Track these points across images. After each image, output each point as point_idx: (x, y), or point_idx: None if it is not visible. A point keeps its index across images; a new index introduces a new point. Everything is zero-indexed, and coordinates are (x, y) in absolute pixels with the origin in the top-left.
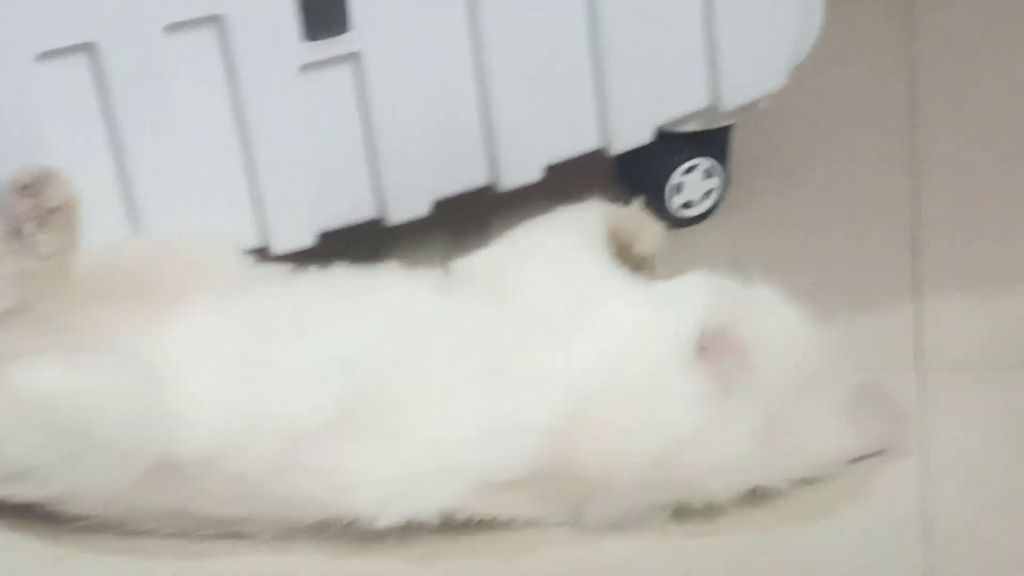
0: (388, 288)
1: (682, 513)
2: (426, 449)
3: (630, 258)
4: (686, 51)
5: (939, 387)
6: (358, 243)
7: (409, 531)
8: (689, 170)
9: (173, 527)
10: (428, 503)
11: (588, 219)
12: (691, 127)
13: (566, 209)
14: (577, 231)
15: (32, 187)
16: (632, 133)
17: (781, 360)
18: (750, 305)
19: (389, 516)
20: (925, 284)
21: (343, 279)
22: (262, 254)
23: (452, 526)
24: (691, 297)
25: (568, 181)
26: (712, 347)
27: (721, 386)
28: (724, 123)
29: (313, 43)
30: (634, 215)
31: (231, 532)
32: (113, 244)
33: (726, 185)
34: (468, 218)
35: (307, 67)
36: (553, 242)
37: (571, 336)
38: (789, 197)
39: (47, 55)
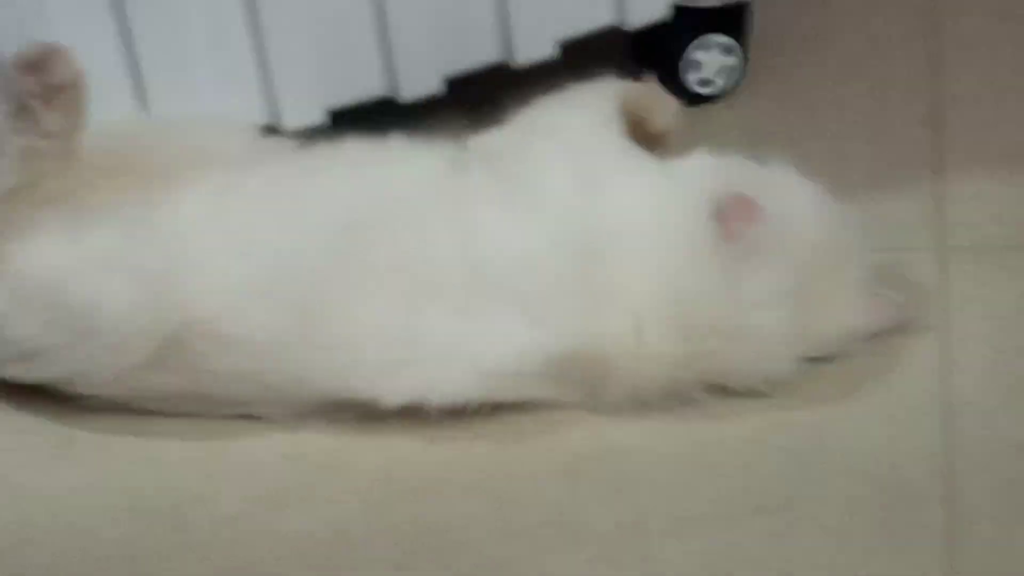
0: (398, 161)
1: (697, 396)
2: (435, 329)
3: (645, 135)
4: None
5: (960, 267)
6: (370, 123)
7: (419, 412)
8: (706, 47)
9: (183, 408)
10: (437, 385)
11: (602, 96)
12: (709, 2)
13: (580, 86)
14: (591, 109)
15: (38, 64)
16: (648, 7)
17: (801, 234)
18: (769, 181)
19: (395, 395)
20: (947, 163)
21: (353, 152)
22: (272, 131)
23: (462, 409)
24: (706, 170)
25: (582, 60)
26: (732, 216)
27: (741, 255)
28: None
29: None
30: (648, 91)
31: (240, 413)
32: (120, 123)
33: (744, 63)
34: (482, 99)
35: None
36: (566, 121)
37: (584, 213)
38: (809, 75)
39: None
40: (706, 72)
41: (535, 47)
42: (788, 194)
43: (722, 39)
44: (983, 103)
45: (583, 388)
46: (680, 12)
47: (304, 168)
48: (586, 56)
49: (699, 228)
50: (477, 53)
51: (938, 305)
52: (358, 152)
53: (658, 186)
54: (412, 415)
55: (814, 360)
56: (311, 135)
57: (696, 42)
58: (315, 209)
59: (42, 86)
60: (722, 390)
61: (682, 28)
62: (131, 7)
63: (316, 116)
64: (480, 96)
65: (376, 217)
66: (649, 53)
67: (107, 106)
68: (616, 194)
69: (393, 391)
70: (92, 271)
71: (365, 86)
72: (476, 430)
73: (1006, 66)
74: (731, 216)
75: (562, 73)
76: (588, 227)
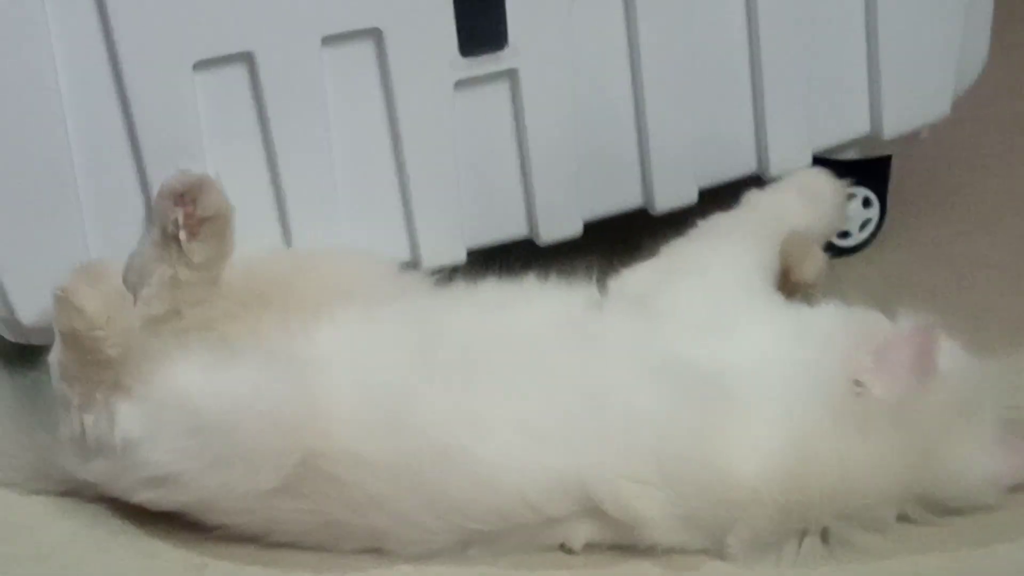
0: (532, 302)
1: (828, 539)
2: (574, 458)
3: (788, 282)
4: (847, 77)
5: None
6: (509, 262)
7: (545, 551)
8: (847, 198)
9: (314, 538)
10: (561, 526)
11: (760, 236)
12: (850, 155)
13: (741, 219)
14: (744, 249)
15: (187, 195)
16: (790, 158)
17: (939, 390)
18: (907, 336)
19: (516, 530)
20: None
21: (489, 292)
22: (412, 267)
23: (589, 548)
24: (840, 328)
25: (721, 203)
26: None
27: (874, 413)
28: (883, 152)
29: (469, 59)
30: (800, 241)
31: (372, 546)
32: (263, 254)
33: (883, 216)
34: (620, 240)
35: (462, 83)
36: (714, 262)
37: (713, 357)
38: (949, 230)
39: (205, 63)
40: (845, 224)
41: (677, 194)
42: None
43: (862, 191)
44: None
45: (709, 534)
46: (820, 163)
47: (441, 305)
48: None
49: (830, 378)
50: (619, 199)
51: None
52: (494, 292)
53: (790, 335)
54: (541, 552)
55: (951, 510)
56: (450, 272)
57: None
58: (448, 346)
59: (189, 216)
60: (848, 539)
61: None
62: (279, 140)
63: (456, 255)
64: (617, 239)
65: (506, 356)
66: None
67: (252, 237)
68: (747, 340)
69: (519, 519)
70: (229, 399)
71: (506, 227)
72: (604, 570)
73: None
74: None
75: (696, 216)
76: (716, 373)
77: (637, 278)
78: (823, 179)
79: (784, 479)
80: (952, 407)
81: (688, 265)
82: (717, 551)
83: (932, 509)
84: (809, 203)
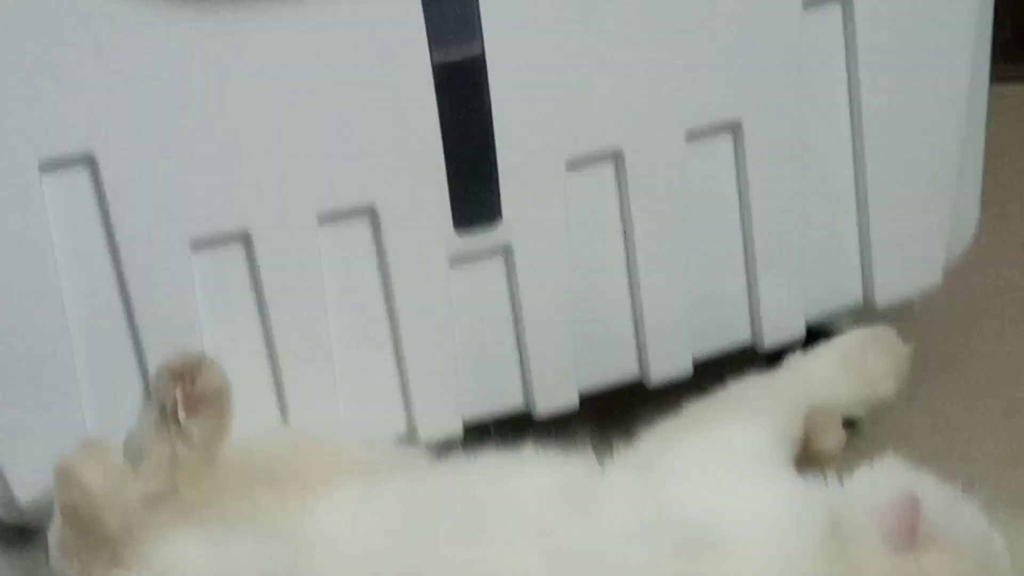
0: (534, 472)
1: None
2: None
3: (806, 449)
4: (838, 246)
5: None
6: (505, 433)
7: None
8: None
9: None
10: None
11: (786, 408)
12: (843, 325)
13: (771, 385)
14: (766, 417)
15: (185, 374)
16: (783, 328)
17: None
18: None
19: None
20: None
21: (486, 464)
22: (409, 441)
23: None
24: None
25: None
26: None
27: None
28: (877, 322)
29: (464, 234)
30: (824, 412)
31: None
32: (261, 432)
33: None
34: (615, 412)
35: (457, 259)
36: (731, 425)
37: (710, 520)
38: (942, 398)
39: (202, 242)
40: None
41: (671, 366)
42: (955, 521)
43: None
44: None
45: None
46: (816, 334)
47: (439, 479)
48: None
49: (821, 540)
50: (614, 371)
51: None
52: (492, 464)
53: (791, 492)
54: None
55: None
56: (446, 445)
57: None
58: (448, 520)
59: (187, 395)
60: None
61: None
62: (276, 318)
63: (452, 428)
64: (612, 411)
65: (507, 530)
66: None
67: (249, 415)
68: (744, 499)
69: None
70: (230, 571)
71: (502, 400)
72: None
73: None
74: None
75: (693, 389)
76: (710, 530)
77: (649, 438)
78: (876, 345)
79: None
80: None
81: (702, 425)
82: None
83: None
84: (852, 373)
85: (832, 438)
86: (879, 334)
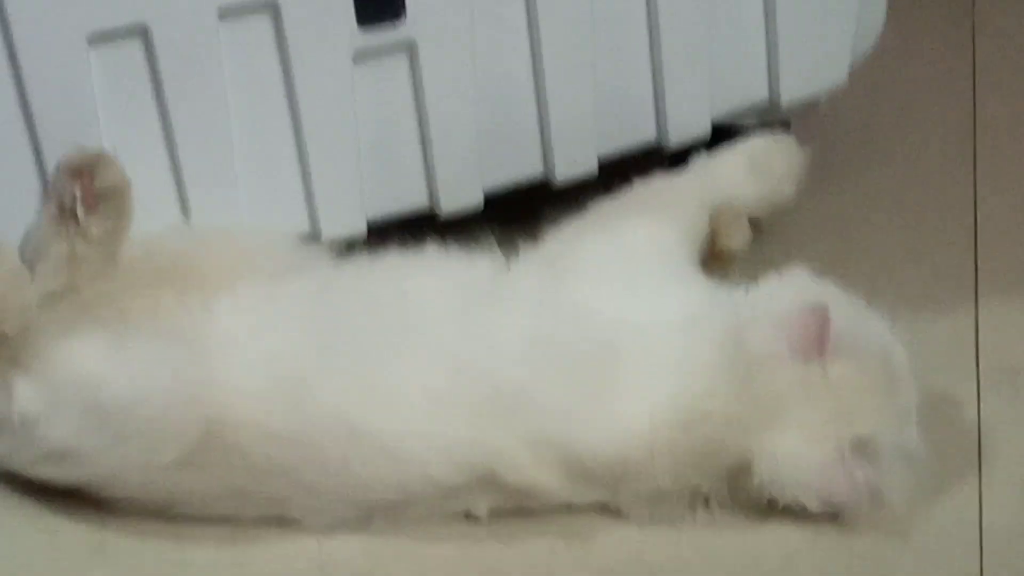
0: (435, 271)
1: (724, 509)
2: (458, 433)
3: (712, 247)
4: (745, 43)
5: (996, 392)
6: (411, 234)
7: (450, 520)
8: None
9: (216, 508)
10: (462, 488)
11: (691, 207)
12: (748, 123)
13: (677, 183)
14: (672, 215)
15: (84, 170)
16: (689, 127)
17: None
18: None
19: (424, 497)
20: (984, 288)
21: (390, 263)
22: (312, 240)
23: (494, 513)
24: (744, 300)
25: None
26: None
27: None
28: (782, 120)
29: (367, 30)
30: (730, 209)
31: (275, 516)
32: (163, 231)
33: None
34: (520, 213)
35: (360, 54)
36: (635, 222)
37: (612, 312)
38: (846, 197)
39: (99, 36)
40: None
41: (577, 165)
42: (858, 324)
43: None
44: (1019, 227)
45: (605, 492)
46: (720, 131)
47: (341, 278)
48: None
49: (725, 340)
50: (518, 170)
51: (973, 430)
52: (395, 263)
53: (694, 300)
54: (445, 522)
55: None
56: (350, 245)
57: None
58: (348, 319)
59: (87, 191)
60: (752, 505)
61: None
62: (176, 114)
63: (356, 228)
64: (517, 212)
65: (406, 327)
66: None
67: (150, 214)
68: (649, 299)
69: (422, 490)
70: (129, 376)
71: (406, 200)
72: (508, 538)
73: None
74: (803, 326)
75: (600, 189)
76: (613, 328)
77: (555, 237)
78: (777, 148)
79: (675, 434)
80: (824, 398)
81: (610, 221)
82: (615, 510)
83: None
84: (756, 173)
85: (738, 235)
86: (780, 138)
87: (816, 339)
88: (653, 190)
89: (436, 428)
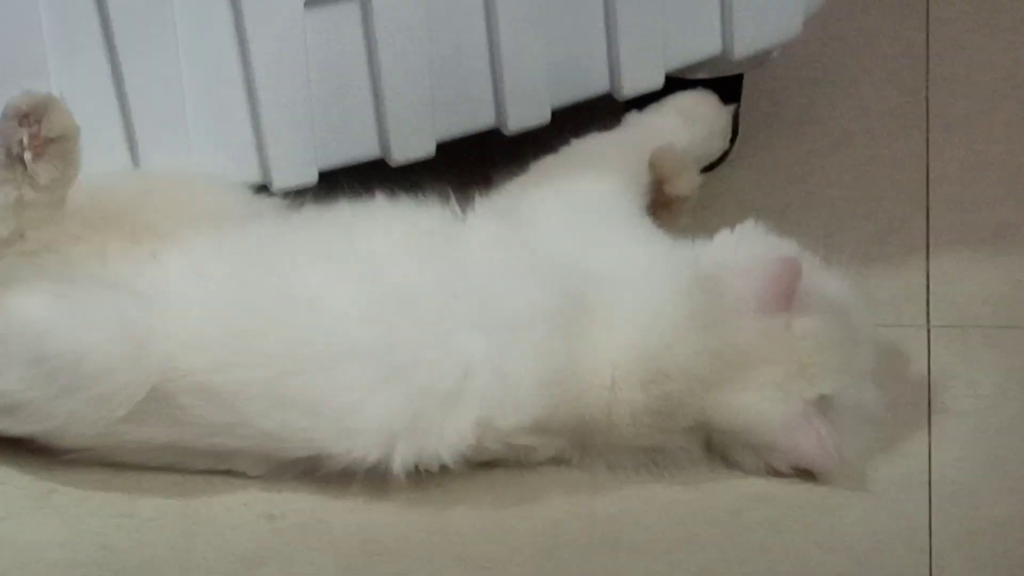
0: (383, 221)
1: (678, 464)
2: (426, 387)
3: (661, 195)
4: None
5: (945, 344)
6: (363, 185)
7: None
8: (723, 107)
9: (163, 461)
10: (413, 443)
11: (628, 152)
12: (702, 74)
13: (616, 137)
14: (614, 168)
15: (31, 115)
16: (642, 77)
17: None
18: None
19: (369, 455)
20: (934, 240)
21: (339, 213)
22: (262, 190)
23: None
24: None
25: (576, 125)
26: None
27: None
28: (735, 72)
29: None
30: (675, 156)
31: (221, 468)
32: (111, 177)
33: (735, 136)
34: (473, 162)
35: (313, 1)
36: (582, 175)
37: (570, 263)
38: (800, 151)
39: None
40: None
41: (529, 114)
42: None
43: (730, 107)
44: (971, 181)
45: (562, 441)
46: (672, 82)
47: (290, 229)
48: (577, 120)
49: (690, 285)
50: (471, 119)
51: (923, 384)
52: (344, 213)
53: (649, 248)
54: (391, 476)
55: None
56: (300, 194)
57: None
58: (297, 269)
59: (34, 136)
60: (703, 458)
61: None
62: (126, 60)
63: (307, 177)
64: (470, 160)
65: (354, 279)
66: None
67: (99, 159)
68: (605, 248)
69: (367, 450)
70: (75, 325)
71: (358, 148)
72: (456, 493)
73: (994, 144)
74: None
75: (555, 135)
76: (571, 276)
77: (504, 191)
78: (706, 102)
79: (634, 392)
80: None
81: (556, 177)
82: (566, 462)
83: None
84: (689, 125)
85: (686, 180)
86: (706, 93)
87: (785, 291)
88: (591, 145)
89: (383, 385)
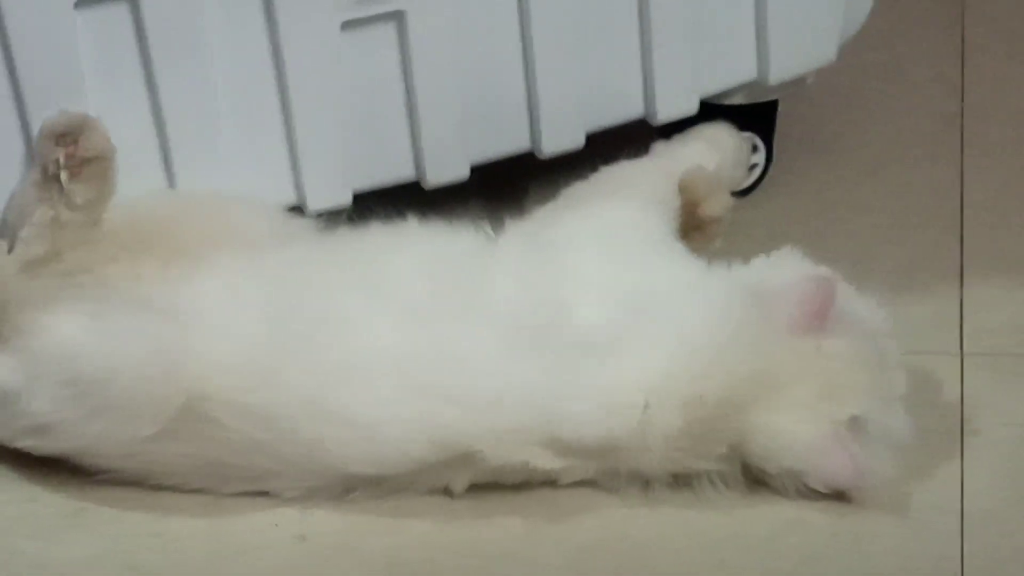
0: (416, 244)
1: (712, 489)
2: (454, 407)
3: (693, 218)
4: (735, 21)
5: (978, 373)
6: (397, 206)
7: (429, 494)
8: (743, 140)
9: (194, 481)
10: (445, 462)
11: (656, 176)
12: (737, 100)
13: (646, 164)
14: (640, 189)
15: (68, 135)
16: (677, 103)
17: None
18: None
19: (401, 471)
20: (968, 268)
21: (373, 236)
22: (297, 211)
23: (476, 487)
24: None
25: (611, 150)
26: (806, 302)
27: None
28: (770, 97)
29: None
30: (707, 178)
31: (254, 488)
32: (146, 197)
33: (769, 161)
34: (508, 185)
35: (349, 24)
36: (613, 199)
37: (602, 287)
38: (833, 177)
39: (87, 2)
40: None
41: (564, 138)
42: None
43: (748, 136)
44: (1005, 209)
45: (593, 464)
46: (707, 108)
47: (323, 252)
48: (614, 146)
49: (726, 309)
50: (505, 142)
51: (956, 411)
52: (378, 237)
53: (684, 269)
54: (423, 496)
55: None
56: (335, 216)
57: None
58: (331, 291)
59: (71, 156)
60: (738, 482)
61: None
62: (163, 81)
63: (342, 198)
64: (505, 183)
65: (386, 302)
66: None
67: (134, 180)
68: (639, 270)
69: (399, 467)
70: (107, 347)
71: (392, 170)
72: (487, 514)
73: None
74: (805, 302)
75: (587, 160)
76: (603, 299)
77: (535, 217)
78: (728, 132)
79: (670, 416)
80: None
81: (587, 202)
82: (599, 487)
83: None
84: (715, 153)
85: (718, 202)
86: (727, 126)
87: (819, 310)
88: (621, 172)
89: (415, 408)
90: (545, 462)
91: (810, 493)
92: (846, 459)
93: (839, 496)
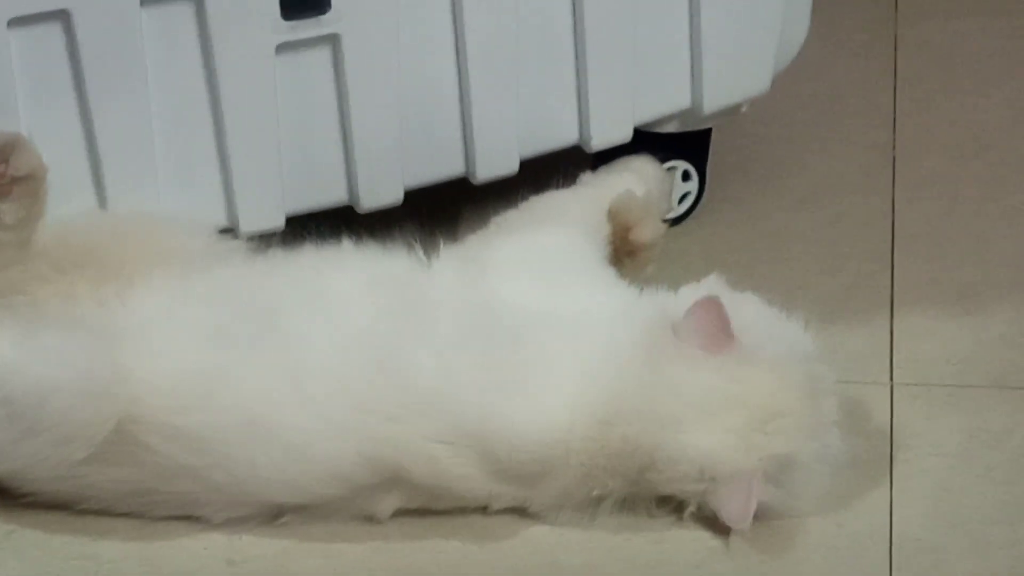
0: (348, 267)
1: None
2: (389, 424)
3: (625, 242)
4: (669, 50)
5: (908, 403)
6: (329, 229)
7: (362, 519)
8: (666, 172)
9: (125, 505)
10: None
11: (588, 202)
12: (671, 128)
13: (575, 193)
14: (575, 220)
15: None
16: (611, 130)
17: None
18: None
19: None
20: (899, 299)
21: (305, 259)
22: (230, 233)
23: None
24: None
25: (544, 175)
26: (702, 319)
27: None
28: (704, 126)
29: (291, 23)
30: (639, 203)
31: (183, 513)
32: (79, 217)
33: (702, 190)
34: (440, 208)
35: (284, 47)
36: (543, 225)
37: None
38: (766, 206)
39: (20, 21)
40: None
41: (498, 164)
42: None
43: (681, 164)
44: (936, 239)
45: (519, 486)
46: (641, 136)
47: (255, 274)
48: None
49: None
50: (440, 167)
51: (885, 440)
52: (310, 259)
53: (611, 293)
54: (357, 520)
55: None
56: (267, 238)
57: None
58: (260, 316)
59: (1, 176)
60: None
61: (643, 152)
62: (97, 101)
63: (275, 222)
64: (437, 207)
65: (316, 325)
66: None
67: (67, 200)
68: (565, 296)
69: (329, 488)
70: (39, 370)
71: (326, 194)
72: (419, 539)
73: (960, 204)
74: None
75: (521, 186)
76: (531, 322)
77: (467, 243)
78: (652, 164)
79: (591, 432)
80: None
81: (517, 228)
82: (527, 510)
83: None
84: (642, 182)
85: (649, 227)
86: (652, 159)
87: (717, 329)
88: (551, 200)
89: (348, 426)
90: (477, 482)
91: (702, 508)
92: (741, 501)
93: (770, 522)
